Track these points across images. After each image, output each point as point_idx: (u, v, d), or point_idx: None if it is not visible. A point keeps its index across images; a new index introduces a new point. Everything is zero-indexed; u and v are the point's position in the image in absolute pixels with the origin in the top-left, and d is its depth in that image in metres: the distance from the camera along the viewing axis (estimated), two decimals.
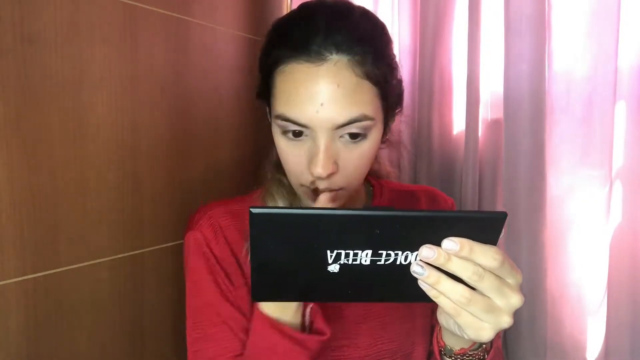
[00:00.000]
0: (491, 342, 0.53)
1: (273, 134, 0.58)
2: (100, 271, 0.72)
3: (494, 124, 0.99)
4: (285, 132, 0.55)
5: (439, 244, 0.40)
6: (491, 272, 0.40)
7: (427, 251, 0.40)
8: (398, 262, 0.41)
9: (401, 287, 0.43)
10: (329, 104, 0.51)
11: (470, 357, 0.53)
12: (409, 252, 0.40)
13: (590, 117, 0.84)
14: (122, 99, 0.73)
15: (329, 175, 0.54)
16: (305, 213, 0.39)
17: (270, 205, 0.64)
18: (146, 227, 0.78)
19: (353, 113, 0.52)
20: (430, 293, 0.42)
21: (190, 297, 0.64)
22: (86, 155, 0.68)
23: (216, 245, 0.63)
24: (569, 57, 0.85)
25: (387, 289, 0.44)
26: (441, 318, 0.48)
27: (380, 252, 0.40)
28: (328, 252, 0.40)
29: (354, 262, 0.40)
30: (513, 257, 0.90)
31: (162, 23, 0.79)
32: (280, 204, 0.64)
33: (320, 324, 0.56)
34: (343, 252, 0.40)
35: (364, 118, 0.53)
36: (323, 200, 0.53)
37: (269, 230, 0.39)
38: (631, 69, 0.83)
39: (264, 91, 0.59)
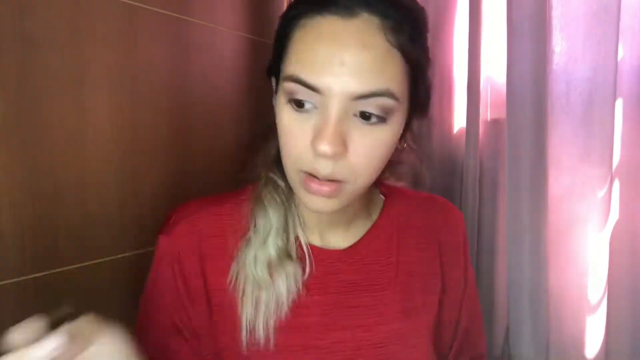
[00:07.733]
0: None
1: (277, 111, 0.48)
2: (100, 271, 0.71)
3: (494, 124, 0.99)
4: (290, 100, 0.46)
5: None
6: None
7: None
8: None
9: None
10: (350, 66, 0.43)
11: None
12: None
13: (590, 117, 0.84)
14: (122, 98, 0.73)
15: (335, 157, 0.44)
16: None
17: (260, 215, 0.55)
18: (146, 227, 0.78)
19: (377, 85, 0.44)
20: None
21: (144, 309, 0.59)
22: (86, 155, 0.68)
23: (188, 259, 0.55)
24: (569, 57, 0.85)
25: None
26: None
27: None
28: None
29: None
30: (515, 258, 0.90)
31: (162, 23, 0.79)
32: (271, 213, 0.55)
33: None
34: None
35: (387, 94, 0.44)
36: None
37: None
38: (631, 69, 0.83)
39: (277, 60, 0.50)
